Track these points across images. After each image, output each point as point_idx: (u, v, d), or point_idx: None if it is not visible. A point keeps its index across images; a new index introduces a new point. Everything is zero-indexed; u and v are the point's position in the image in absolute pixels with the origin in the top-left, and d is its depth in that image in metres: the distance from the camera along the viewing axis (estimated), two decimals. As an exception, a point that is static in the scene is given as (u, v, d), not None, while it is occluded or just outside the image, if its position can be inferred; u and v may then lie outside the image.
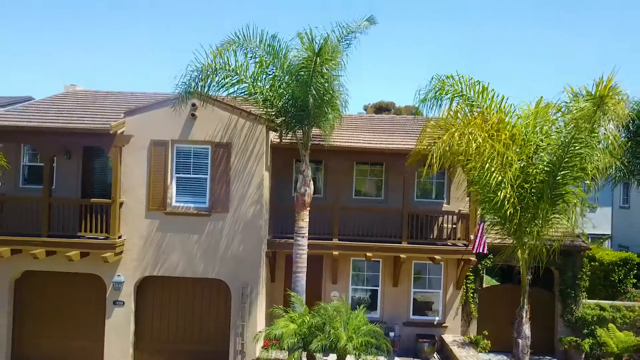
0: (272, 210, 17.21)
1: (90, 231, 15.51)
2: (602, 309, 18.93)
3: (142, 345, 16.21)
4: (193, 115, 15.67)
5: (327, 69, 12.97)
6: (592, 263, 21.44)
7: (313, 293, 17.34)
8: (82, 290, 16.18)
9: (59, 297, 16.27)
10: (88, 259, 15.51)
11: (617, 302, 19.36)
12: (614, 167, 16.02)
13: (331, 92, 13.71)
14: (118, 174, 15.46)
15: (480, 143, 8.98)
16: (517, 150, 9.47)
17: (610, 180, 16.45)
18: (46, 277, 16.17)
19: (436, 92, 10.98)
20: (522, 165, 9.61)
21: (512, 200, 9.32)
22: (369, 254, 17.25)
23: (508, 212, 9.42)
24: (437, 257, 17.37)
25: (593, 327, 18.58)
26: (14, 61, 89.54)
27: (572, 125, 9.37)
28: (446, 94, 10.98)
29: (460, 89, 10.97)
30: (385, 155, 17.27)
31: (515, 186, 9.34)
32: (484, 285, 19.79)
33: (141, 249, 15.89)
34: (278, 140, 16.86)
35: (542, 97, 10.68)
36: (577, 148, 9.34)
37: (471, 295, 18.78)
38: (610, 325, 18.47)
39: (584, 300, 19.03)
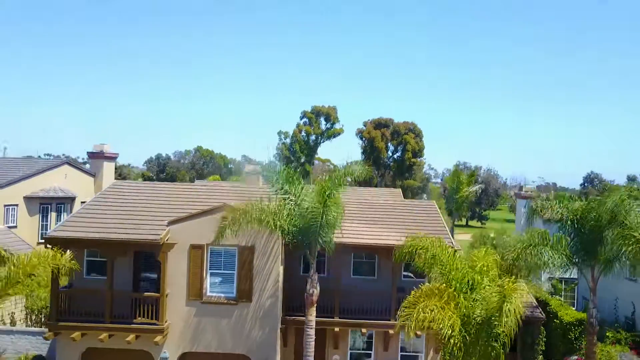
0: (284, 291, 21.27)
1: (142, 316, 19.56)
2: (555, 368, 23.06)
3: (182, 407, 20.36)
4: (224, 225, 19.70)
5: (331, 214, 17.11)
6: (554, 320, 25.54)
7: (318, 355, 21.43)
8: (135, 363, 20.28)
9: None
10: (140, 339, 19.61)
11: (566, 363, 23.50)
12: (558, 262, 20.22)
13: (334, 224, 17.82)
14: (165, 273, 19.53)
15: (436, 313, 13.14)
16: (462, 313, 13.62)
17: (557, 270, 20.50)
18: (105, 352, 20.20)
19: (409, 249, 15.48)
20: (464, 320, 13.73)
21: (458, 344, 13.47)
22: (364, 330, 21.45)
23: (457, 353, 13.67)
24: (418, 332, 21.47)
25: (547, 384, 22.72)
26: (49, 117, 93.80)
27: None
28: (415, 250, 15.40)
29: (426, 244, 15.30)
30: (377, 249, 21.41)
31: (458, 335, 13.46)
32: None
33: (182, 330, 20.00)
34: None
35: (487, 248, 14.82)
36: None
37: (447, 357, 22.85)
38: (561, 382, 22.61)
39: (540, 361, 23.18)
